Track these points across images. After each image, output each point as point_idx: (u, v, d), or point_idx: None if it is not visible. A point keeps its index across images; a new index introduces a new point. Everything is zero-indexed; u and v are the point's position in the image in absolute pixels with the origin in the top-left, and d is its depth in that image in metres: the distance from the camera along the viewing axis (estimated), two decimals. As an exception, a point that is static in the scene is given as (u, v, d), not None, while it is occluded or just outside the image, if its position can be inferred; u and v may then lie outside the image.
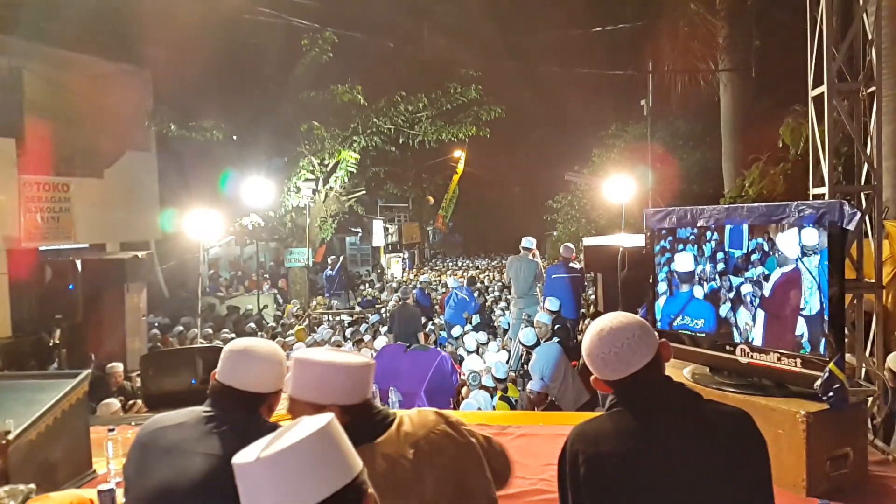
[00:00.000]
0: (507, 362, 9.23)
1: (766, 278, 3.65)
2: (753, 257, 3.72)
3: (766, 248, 3.64)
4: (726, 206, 3.96)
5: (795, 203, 3.48)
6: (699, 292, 4.01)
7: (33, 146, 13.39)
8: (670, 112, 17.77)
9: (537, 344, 8.16)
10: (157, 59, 16.35)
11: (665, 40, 14.53)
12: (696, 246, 4.03)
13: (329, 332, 12.56)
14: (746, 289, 3.74)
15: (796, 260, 3.48)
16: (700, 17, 13.91)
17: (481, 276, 24.16)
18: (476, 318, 12.91)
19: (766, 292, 3.64)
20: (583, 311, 11.76)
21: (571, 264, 11.13)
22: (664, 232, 4.22)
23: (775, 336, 3.60)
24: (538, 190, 30.25)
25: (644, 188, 15.84)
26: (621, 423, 1.98)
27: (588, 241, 12.80)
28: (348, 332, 13.12)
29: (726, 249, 3.86)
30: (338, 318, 15.40)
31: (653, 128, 16.90)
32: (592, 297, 13.83)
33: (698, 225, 4.01)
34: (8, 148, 12.97)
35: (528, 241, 11.10)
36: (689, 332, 4.05)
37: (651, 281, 4.31)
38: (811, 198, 5.22)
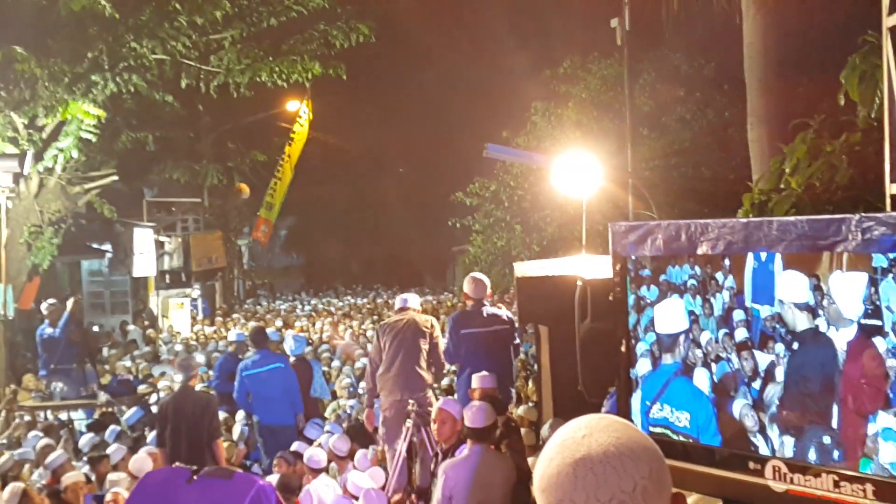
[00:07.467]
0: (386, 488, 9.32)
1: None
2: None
3: (812, 301, 3.74)
4: (745, 220, 4.06)
5: (858, 216, 3.57)
6: (702, 378, 4.12)
7: None
8: (661, 41, 17.86)
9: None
10: None
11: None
12: (698, 296, 4.16)
13: (45, 443, 11.45)
14: (782, 374, 3.92)
15: (856, 323, 3.56)
16: None
17: (343, 329, 23.41)
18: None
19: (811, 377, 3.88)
20: (514, 389, 11.45)
21: (489, 310, 10.61)
22: (647, 270, 4.35)
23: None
24: (440, 172, 30.35)
25: (619, 168, 15.35)
26: None
27: (522, 269, 11.55)
28: (83, 441, 12.15)
29: (748, 305, 3.96)
30: (65, 417, 14.33)
31: (633, 67, 16.83)
32: (534, 365, 13.57)
33: (698, 252, 4.14)
34: None
35: (406, 302, 10.76)
36: (670, 435, 4.20)
37: (625, 347, 4.47)
38: (888, 200, 5.32)
